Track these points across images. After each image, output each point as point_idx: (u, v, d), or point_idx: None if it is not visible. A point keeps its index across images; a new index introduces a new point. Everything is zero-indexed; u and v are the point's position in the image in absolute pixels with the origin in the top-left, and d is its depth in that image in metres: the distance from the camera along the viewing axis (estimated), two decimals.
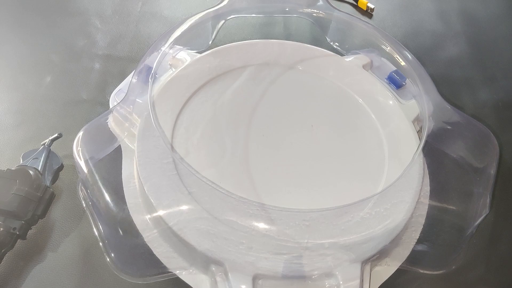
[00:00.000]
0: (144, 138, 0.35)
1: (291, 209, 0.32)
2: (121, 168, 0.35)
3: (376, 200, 0.33)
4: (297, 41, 0.45)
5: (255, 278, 0.29)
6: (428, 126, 0.37)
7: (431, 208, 0.36)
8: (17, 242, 0.33)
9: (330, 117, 0.40)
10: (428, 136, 0.36)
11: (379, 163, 0.37)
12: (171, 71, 0.40)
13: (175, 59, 0.41)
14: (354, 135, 0.39)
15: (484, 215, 0.34)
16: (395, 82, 0.42)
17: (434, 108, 0.38)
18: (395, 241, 0.33)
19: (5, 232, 0.31)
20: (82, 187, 0.33)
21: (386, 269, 0.33)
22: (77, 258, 0.34)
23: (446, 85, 0.48)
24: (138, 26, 0.51)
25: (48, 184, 0.35)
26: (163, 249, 0.32)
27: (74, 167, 0.34)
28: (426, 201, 0.36)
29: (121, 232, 0.32)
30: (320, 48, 0.44)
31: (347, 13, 0.46)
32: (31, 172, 0.34)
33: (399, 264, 0.33)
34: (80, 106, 0.43)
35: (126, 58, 0.47)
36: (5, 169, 0.34)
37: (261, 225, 0.31)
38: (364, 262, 0.31)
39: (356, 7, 0.55)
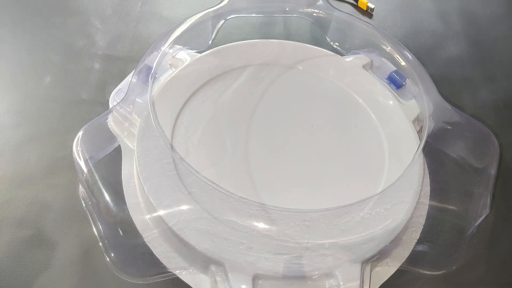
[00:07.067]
0: (144, 138, 0.35)
1: (291, 209, 0.32)
2: (121, 168, 0.35)
3: (376, 200, 0.33)
4: (297, 41, 0.45)
5: (255, 278, 0.29)
6: (428, 126, 0.36)
7: (431, 208, 0.36)
8: (17, 242, 0.33)
9: (330, 117, 0.40)
10: (428, 136, 0.36)
11: (379, 163, 0.37)
12: (171, 71, 0.40)
13: (175, 59, 0.41)
14: (354, 135, 0.38)
15: (485, 215, 0.34)
16: (395, 82, 0.42)
17: (434, 108, 0.38)
18: (395, 242, 0.33)
19: None
20: (82, 187, 0.33)
21: (386, 270, 0.33)
22: (77, 258, 0.34)
23: (446, 85, 0.48)
24: (137, 26, 0.51)
25: None
26: (163, 249, 0.32)
27: (74, 167, 0.34)
28: (426, 201, 0.36)
29: (121, 232, 0.32)
30: (320, 48, 0.44)
31: (347, 13, 0.46)
32: None
33: (399, 264, 0.33)
34: (79, 106, 0.43)
35: (126, 58, 0.47)
36: None
37: (261, 225, 0.31)
38: (365, 263, 0.31)
39: (356, 7, 0.55)
